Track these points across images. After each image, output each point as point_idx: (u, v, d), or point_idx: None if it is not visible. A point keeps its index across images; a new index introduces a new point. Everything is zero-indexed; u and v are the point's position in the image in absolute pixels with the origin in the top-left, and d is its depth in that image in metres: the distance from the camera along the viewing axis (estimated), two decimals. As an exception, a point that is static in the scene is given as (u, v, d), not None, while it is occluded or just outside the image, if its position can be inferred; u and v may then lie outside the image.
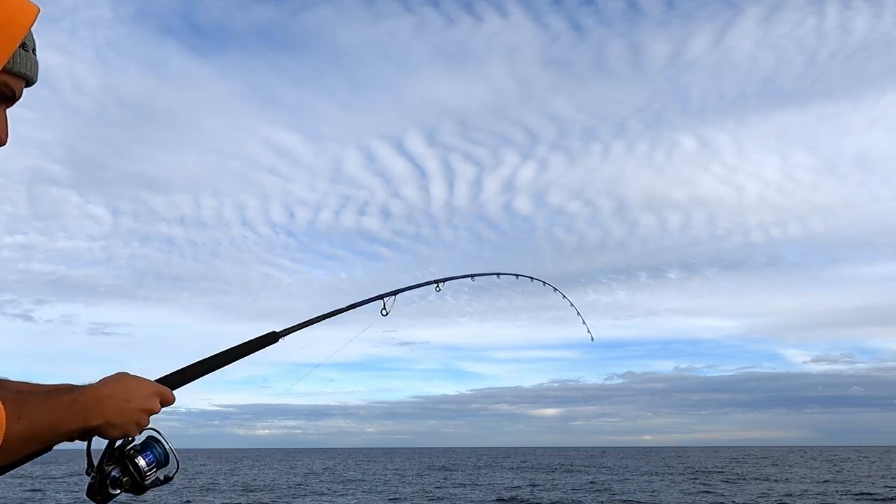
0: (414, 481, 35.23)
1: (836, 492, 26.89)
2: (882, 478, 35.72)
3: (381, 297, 1.95)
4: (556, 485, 31.86)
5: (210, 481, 36.38)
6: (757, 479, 34.54)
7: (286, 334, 1.64)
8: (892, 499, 24.61)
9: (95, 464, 1.23)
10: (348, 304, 1.85)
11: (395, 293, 1.97)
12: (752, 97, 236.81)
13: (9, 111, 1.09)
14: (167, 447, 1.30)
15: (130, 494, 1.27)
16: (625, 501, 23.74)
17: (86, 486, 1.24)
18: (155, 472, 1.28)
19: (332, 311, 1.79)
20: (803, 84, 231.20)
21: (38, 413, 1.06)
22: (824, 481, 33.02)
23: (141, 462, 1.26)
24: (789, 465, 51.53)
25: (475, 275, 2.39)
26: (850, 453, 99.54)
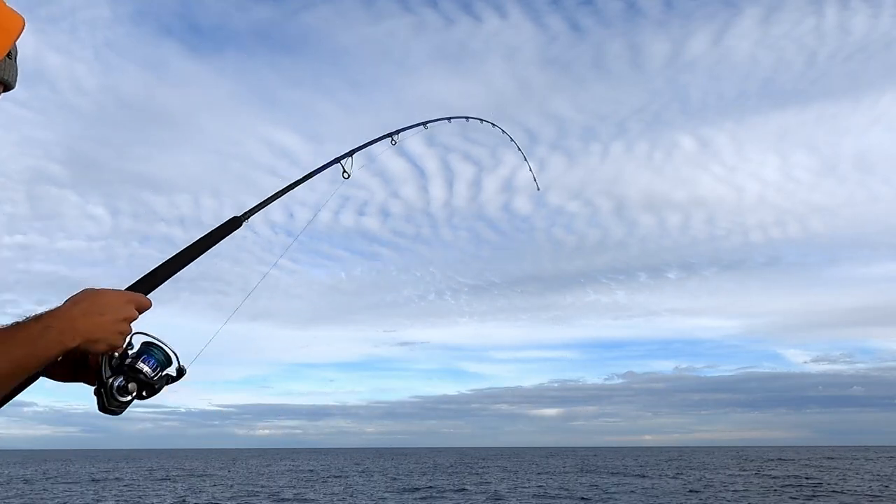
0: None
1: None
2: None
3: (337, 159, 1.94)
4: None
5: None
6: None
7: (248, 217, 1.65)
8: None
9: (98, 380, 1.24)
10: (305, 174, 1.84)
11: (350, 153, 1.97)
12: (752, 97, 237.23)
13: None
14: (166, 348, 1.31)
15: (144, 398, 1.28)
16: None
17: (97, 404, 1.25)
18: (160, 371, 1.29)
19: (289, 185, 1.78)
20: (802, 84, 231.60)
21: (12, 348, 1.07)
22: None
23: (144, 368, 1.26)
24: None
25: (427, 122, 2.43)
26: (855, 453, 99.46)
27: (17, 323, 1.13)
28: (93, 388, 1.26)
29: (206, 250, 1.52)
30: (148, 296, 1.33)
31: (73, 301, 1.19)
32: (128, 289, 1.33)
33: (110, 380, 1.24)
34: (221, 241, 1.57)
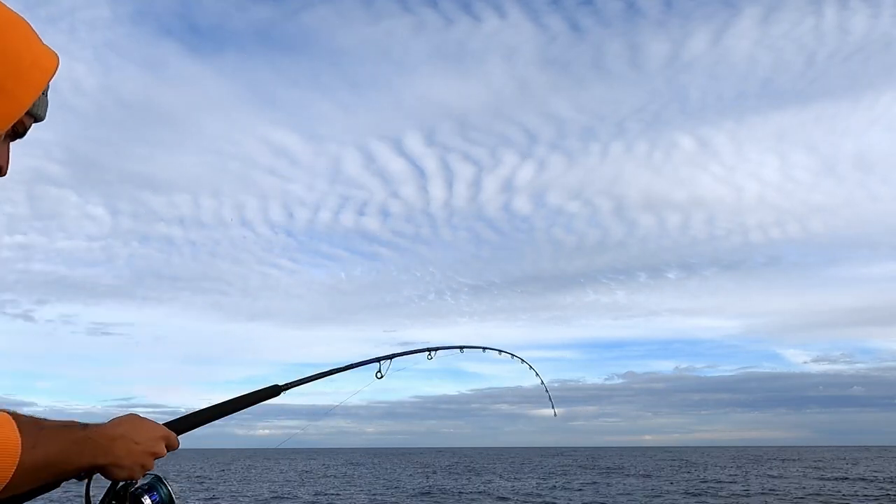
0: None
1: None
2: None
3: (377, 359, 2.13)
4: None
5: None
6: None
7: (288, 388, 1.80)
8: None
9: (98, 502, 1.26)
10: (347, 363, 2.03)
11: (391, 357, 2.16)
12: (751, 97, 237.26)
13: None
14: (171, 490, 1.33)
15: None
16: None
17: None
18: None
19: (330, 370, 1.96)
20: (802, 84, 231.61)
21: (52, 444, 1.08)
22: None
23: (147, 502, 1.29)
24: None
25: (464, 347, 2.63)
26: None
27: (64, 422, 1.15)
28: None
29: (242, 408, 1.65)
30: (179, 437, 1.38)
31: (116, 422, 1.22)
32: (166, 423, 1.38)
33: None
34: (260, 402, 1.71)
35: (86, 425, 1.17)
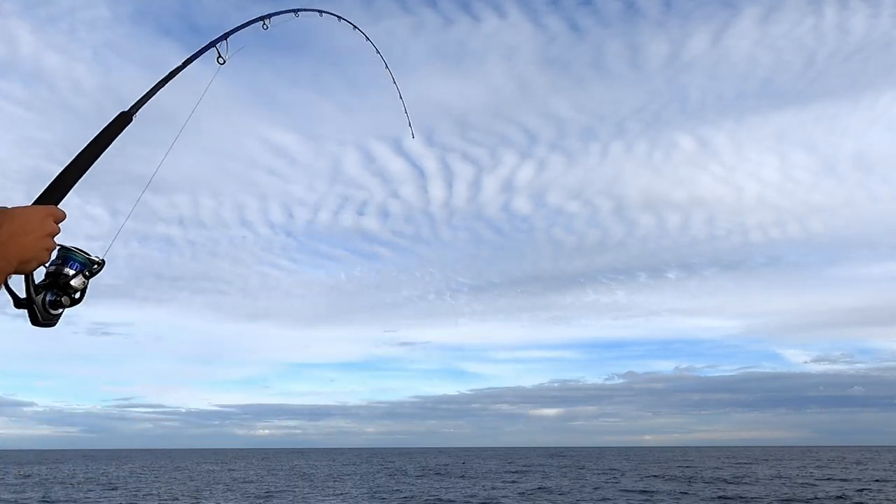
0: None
1: None
2: None
3: (212, 43, 1.95)
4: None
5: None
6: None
7: (136, 110, 1.68)
8: None
9: (24, 296, 1.27)
10: (183, 60, 1.84)
11: (224, 37, 1.98)
12: (751, 97, 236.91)
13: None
14: (83, 251, 1.35)
15: (77, 302, 1.34)
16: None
17: (28, 317, 1.29)
18: (86, 272, 1.34)
19: (171, 72, 1.81)
20: (802, 84, 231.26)
21: None
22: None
23: (69, 272, 1.31)
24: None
25: (298, 10, 2.60)
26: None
27: None
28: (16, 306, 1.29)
29: (102, 150, 1.54)
30: (59, 205, 1.35)
31: None
32: (36, 201, 1.35)
33: (40, 296, 1.28)
34: (117, 136, 1.60)
35: None
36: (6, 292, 1.25)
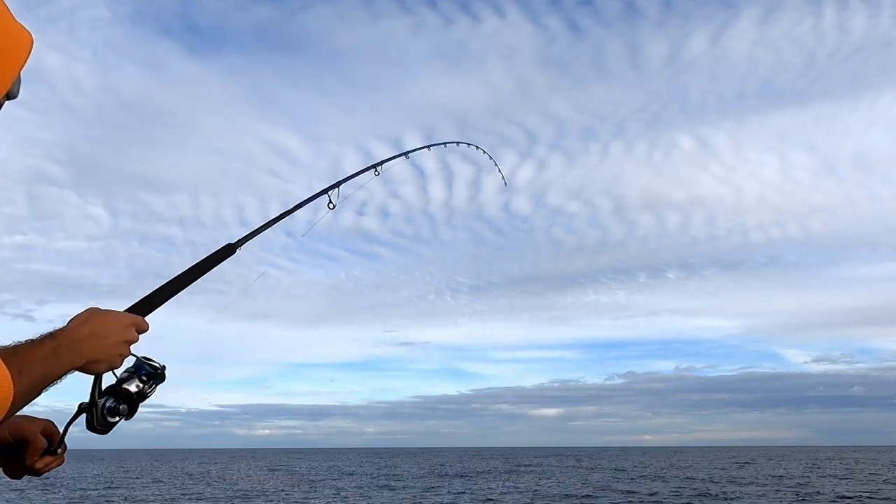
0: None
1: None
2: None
3: (325, 191, 2.05)
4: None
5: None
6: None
7: (241, 244, 1.73)
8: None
9: (89, 398, 1.29)
10: (295, 204, 1.95)
11: (337, 185, 2.08)
12: (751, 97, 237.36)
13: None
14: (156, 364, 1.36)
15: (132, 416, 1.34)
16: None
17: (85, 422, 1.30)
18: (153, 386, 1.36)
19: (281, 214, 1.89)
20: (801, 84, 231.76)
21: (34, 367, 1.10)
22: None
23: (139, 384, 1.32)
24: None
25: (409, 152, 2.58)
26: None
27: (31, 341, 1.16)
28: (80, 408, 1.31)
29: (201, 275, 1.59)
30: (146, 318, 1.38)
31: (78, 321, 1.22)
32: (127, 310, 1.38)
33: (102, 401, 1.29)
34: (217, 265, 1.64)
35: (52, 334, 1.17)
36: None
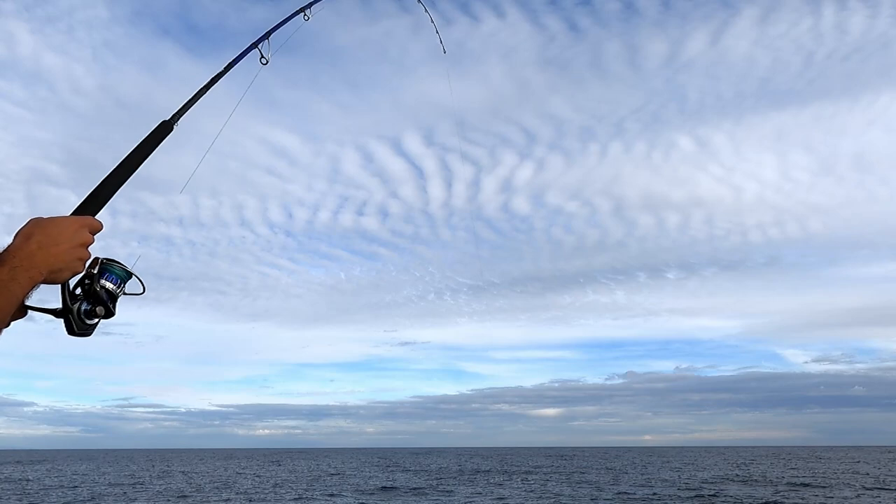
0: (413, 481, 34.89)
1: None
2: None
3: (254, 44, 1.90)
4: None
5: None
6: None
7: (177, 119, 1.65)
8: None
9: (61, 305, 1.28)
10: (224, 67, 1.80)
11: (266, 36, 1.93)
12: (750, 97, 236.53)
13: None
14: (122, 264, 1.35)
15: (111, 315, 1.34)
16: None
17: (63, 327, 1.29)
18: (123, 286, 1.35)
19: (213, 78, 1.77)
20: (800, 84, 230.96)
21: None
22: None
23: (108, 285, 1.32)
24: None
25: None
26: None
27: None
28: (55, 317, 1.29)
29: (143, 160, 1.52)
30: (97, 216, 1.35)
31: (24, 235, 1.19)
32: (74, 212, 1.35)
33: (76, 305, 1.28)
34: (158, 146, 1.57)
35: (2, 259, 1.14)
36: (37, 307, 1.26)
